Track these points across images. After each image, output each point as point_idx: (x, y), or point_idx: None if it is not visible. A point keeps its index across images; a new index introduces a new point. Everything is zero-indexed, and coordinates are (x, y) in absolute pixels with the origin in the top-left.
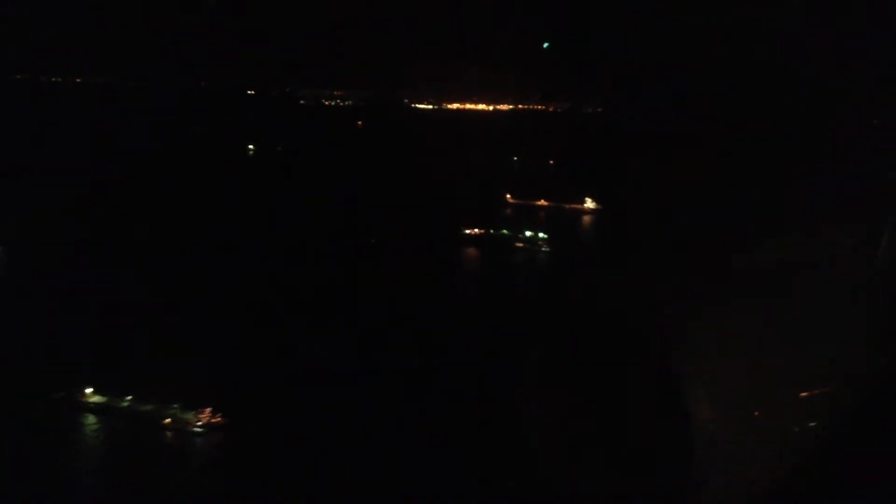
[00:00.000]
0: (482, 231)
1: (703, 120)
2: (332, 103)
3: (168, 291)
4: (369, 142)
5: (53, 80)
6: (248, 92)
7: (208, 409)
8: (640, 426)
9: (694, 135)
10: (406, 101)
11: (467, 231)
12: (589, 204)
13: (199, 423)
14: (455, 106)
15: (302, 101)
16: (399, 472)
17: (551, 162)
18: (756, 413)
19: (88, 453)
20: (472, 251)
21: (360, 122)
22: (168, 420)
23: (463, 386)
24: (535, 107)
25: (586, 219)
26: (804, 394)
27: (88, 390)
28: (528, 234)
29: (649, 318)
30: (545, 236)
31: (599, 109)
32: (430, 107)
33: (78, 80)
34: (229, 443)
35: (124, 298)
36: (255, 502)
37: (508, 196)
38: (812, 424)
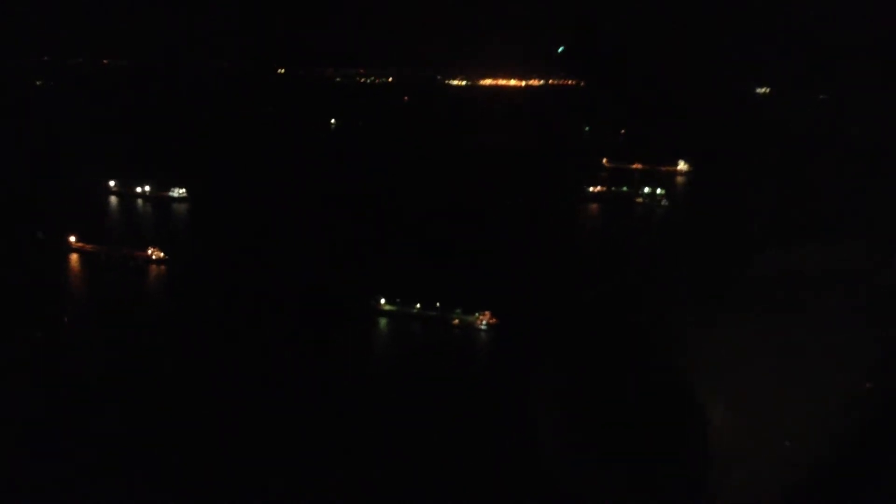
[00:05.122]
0: (605, 188)
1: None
2: (368, 81)
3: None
4: (442, 117)
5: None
6: (279, 71)
7: (488, 312)
8: None
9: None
10: (439, 77)
11: (591, 189)
12: (682, 166)
13: (483, 323)
14: (489, 82)
15: (338, 79)
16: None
17: (622, 131)
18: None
19: (398, 347)
20: (594, 206)
21: (406, 98)
22: (456, 321)
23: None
24: (567, 82)
25: (679, 179)
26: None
27: (382, 300)
28: (646, 190)
29: None
30: (662, 192)
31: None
32: (465, 83)
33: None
34: (506, 338)
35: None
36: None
37: (604, 160)
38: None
